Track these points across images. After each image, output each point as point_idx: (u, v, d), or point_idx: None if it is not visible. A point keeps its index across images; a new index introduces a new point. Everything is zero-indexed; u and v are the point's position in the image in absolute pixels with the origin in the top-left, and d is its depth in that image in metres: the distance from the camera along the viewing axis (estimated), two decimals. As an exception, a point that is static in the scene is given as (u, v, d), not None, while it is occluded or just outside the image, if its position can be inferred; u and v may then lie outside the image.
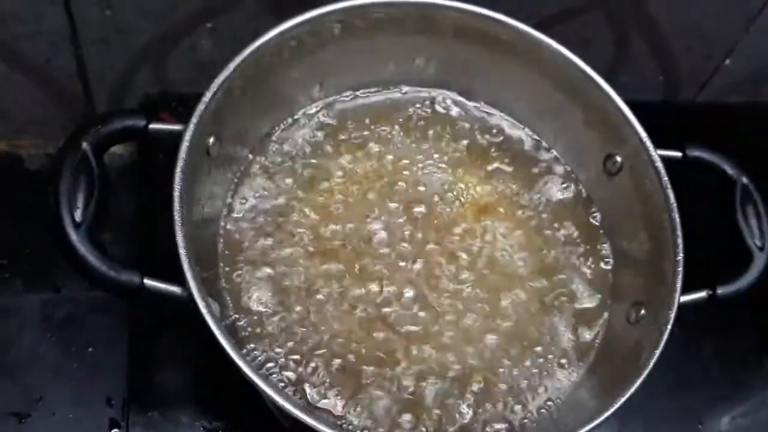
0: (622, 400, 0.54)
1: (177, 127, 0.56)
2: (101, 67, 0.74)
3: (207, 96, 0.56)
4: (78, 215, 0.52)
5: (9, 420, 0.66)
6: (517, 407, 0.60)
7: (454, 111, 0.70)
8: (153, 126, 0.56)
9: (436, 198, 0.66)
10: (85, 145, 0.54)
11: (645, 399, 0.73)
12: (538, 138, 0.70)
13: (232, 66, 0.57)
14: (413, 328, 0.61)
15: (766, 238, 0.62)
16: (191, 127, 0.55)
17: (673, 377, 0.76)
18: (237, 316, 0.59)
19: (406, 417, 0.58)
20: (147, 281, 0.52)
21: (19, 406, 0.67)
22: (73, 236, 0.51)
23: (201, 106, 0.56)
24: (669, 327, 0.56)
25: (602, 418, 0.53)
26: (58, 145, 0.56)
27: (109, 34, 0.71)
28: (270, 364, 0.58)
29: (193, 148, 0.55)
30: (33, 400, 0.67)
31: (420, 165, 0.68)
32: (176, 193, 0.53)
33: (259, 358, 0.58)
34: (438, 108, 0.70)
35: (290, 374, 0.58)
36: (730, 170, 0.64)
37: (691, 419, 0.75)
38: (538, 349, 0.62)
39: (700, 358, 0.78)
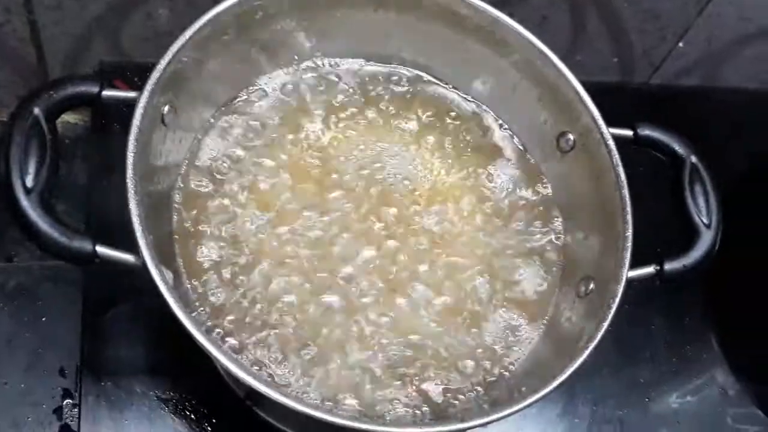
0: (568, 373, 0.55)
1: (131, 94, 0.55)
2: (55, 34, 0.73)
3: (162, 63, 0.56)
4: (29, 181, 0.51)
5: (-41, 390, 0.66)
6: (468, 377, 0.61)
7: (409, 86, 0.70)
8: (106, 93, 0.55)
9: (392, 171, 0.67)
10: (36, 110, 0.53)
11: (593, 374, 0.75)
12: (492, 114, 0.71)
13: (188, 33, 0.57)
14: (367, 296, 0.61)
15: (713, 215, 0.63)
16: (145, 94, 0.54)
17: (622, 353, 0.77)
18: (190, 284, 0.59)
19: (361, 382, 0.59)
20: (99, 249, 0.52)
21: (-30, 376, 0.67)
22: (24, 202, 0.50)
23: (155, 74, 0.55)
24: (617, 301, 0.57)
25: (547, 390, 0.54)
26: (10, 114, 0.55)
27: (63, 0, 0.70)
28: (226, 336, 0.58)
29: (147, 116, 0.54)
30: (-16, 369, 0.67)
31: (374, 137, 0.68)
32: (129, 161, 0.53)
33: (211, 326, 0.58)
34: (393, 83, 0.70)
35: (242, 342, 0.58)
36: (679, 149, 0.65)
37: (638, 394, 0.77)
38: (488, 321, 0.63)
39: (649, 334, 0.80)
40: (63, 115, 0.55)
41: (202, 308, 0.58)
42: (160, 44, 0.74)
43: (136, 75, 0.73)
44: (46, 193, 0.52)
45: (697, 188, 0.64)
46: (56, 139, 0.53)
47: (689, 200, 0.63)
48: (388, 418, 0.58)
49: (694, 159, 0.64)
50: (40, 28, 0.72)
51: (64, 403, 0.67)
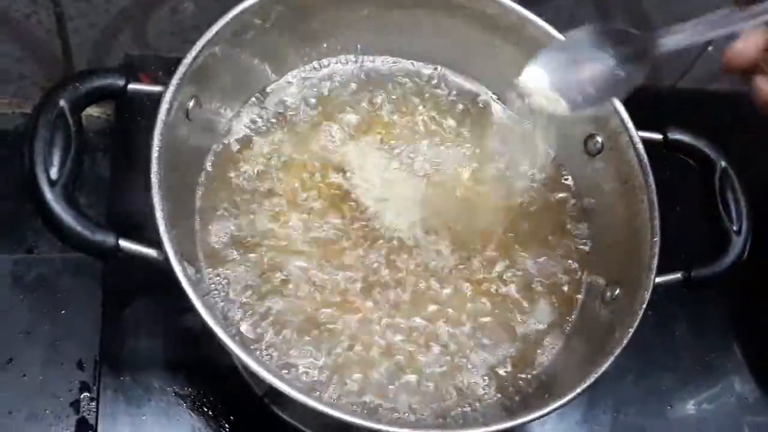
0: (592, 379, 0.54)
1: (157, 88, 0.55)
2: (81, 26, 0.73)
3: (188, 58, 0.55)
4: (53, 173, 0.51)
5: (-23, 380, 0.66)
6: (490, 381, 0.60)
7: (437, 83, 0.70)
8: (132, 86, 0.55)
9: (417, 168, 0.66)
10: (62, 102, 0.52)
11: (615, 381, 0.74)
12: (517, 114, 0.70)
13: (215, 29, 0.57)
14: (389, 299, 0.61)
15: (744, 222, 0.62)
16: (171, 88, 0.54)
17: (644, 360, 0.76)
18: (209, 274, 0.58)
19: (382, 383, 0.58)
20: (122, 242, 0.51)
21: (-12, 367, 0.66)
22: (48, 194, 0.50)
23: (182, 69, 0.55)
24: (643, 307, 0.57)
25: (571, 396, 0.53)
26: (35, 104, 0.55)
27: (90, -7, 0.70)
28: (242, 328, 0.58)
29: (173, 110, 0.54)
30: (3, 361, 0.67)
31: (403, 135, 0.67)
32: (154, 156, 0.52)
33: (228, 317, 0.58)
34: (422, 81, 0.70)
35: (257, 335, 0.58)
36: (710, 154, 0.64)
37: (660, 402, 0.76)
38: (510, 327, 0.62)
39: (672, 341, 0.79)
40: (86, 108, 0.55)
41: (218, 297, 0.58)
42: (185, 38, 0.74)
43: (160, 69, 0.73)
44: (70, 185, 0.52)
45: (728, 194, 0.63)
46: (81, 132, 0.53)
47: (719, 206, 0.63)
48: (410, 420, 0.57)
49: (724, 164, 0.63)
50: (66, 20, 0.72)
51: (82, 396, 0.67)
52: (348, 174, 0.64)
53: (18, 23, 0.71)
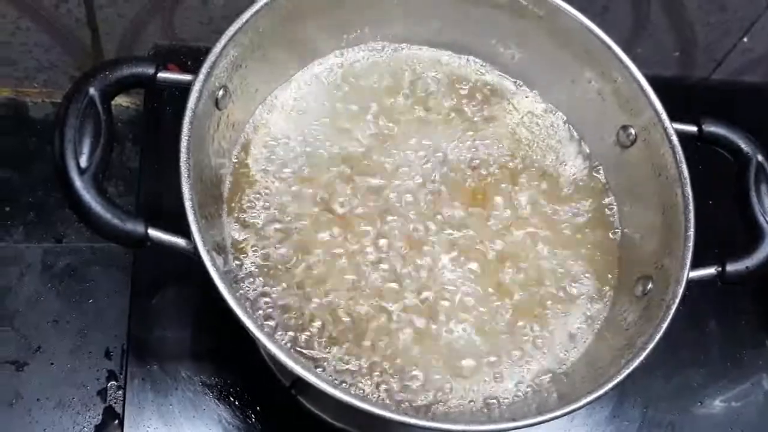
0: (623, 375, 0.53)
1: (186, 77, 0.54)
2: (110, 16, 0.73)
3: (218, 47, 0.55)
4: (83, 161, 0.50)
5: (7, 368, 0.66)
6: (521, 375, 0.60)
7: (467, 74, 0.69)
8: (162, 75, 0.55)
9: (444, 160, 0.65)
10: (92, 90, 0.52)
11: (645, 376, 0.73)
12: (551, 106, 0.69)
13: (244, 17, 0.56)
14: (416, 291, 0.60)
15: (779, 216, 0.61)
16: (201, 77, 0.54)
17: (674, 355, 0.76)
18: (240, 270, 0.58)
19: (412, 375, 0.58)
20: (152, 232, 0.51)
21: (18, 355, 0.67)
22: (78, 182, 0.50)
23: (211, 57, 0.55)
24: (677, 302, 0.56)
25: (602, 392, 0.53)
26: (65, 93, 0.55)
27: (119, -18, 0.70)
28: (268, 317, 0.57)
29: (203, 99, 0.54)
30: (31, 349, 0.67)
31: (430, 126, 0.67)
32: (183, 145, 0.52)
33: (254, 306, 0.57)
34: (450, 70, 0.69)
35: (291, 331, 0.57)
36: (745, 147, 0.62)
37: (691, 398, 0.75)
38: (542, 317, 0.61)
39: (703, 337, 0.78)
40: (115, 97, 0.55)
41: (246, 286, 0.58)
42: (214, 28, 0.74)
43: (189, 59, 0.73)
44: (100, 174, 0.51)
45: (763, 188, 0.61)
46: (111, 120, 0.53)
47: (754, 200, 0.61)
48: (438, 413, 0.56)
49: (760, 157, 0.62)
50: (96, 10, 0.72)
51: (109, 385, 0.67)
52: (372, 165, 0.64)
53: (48, 13, 0.72)
